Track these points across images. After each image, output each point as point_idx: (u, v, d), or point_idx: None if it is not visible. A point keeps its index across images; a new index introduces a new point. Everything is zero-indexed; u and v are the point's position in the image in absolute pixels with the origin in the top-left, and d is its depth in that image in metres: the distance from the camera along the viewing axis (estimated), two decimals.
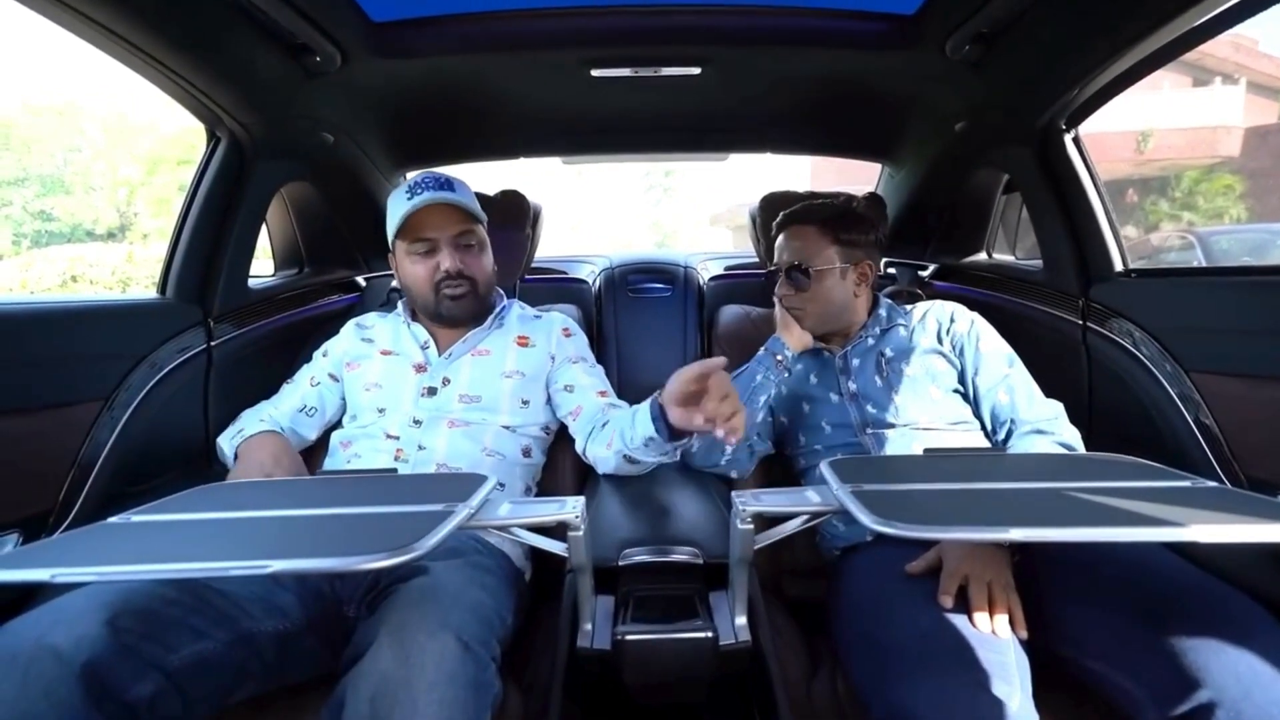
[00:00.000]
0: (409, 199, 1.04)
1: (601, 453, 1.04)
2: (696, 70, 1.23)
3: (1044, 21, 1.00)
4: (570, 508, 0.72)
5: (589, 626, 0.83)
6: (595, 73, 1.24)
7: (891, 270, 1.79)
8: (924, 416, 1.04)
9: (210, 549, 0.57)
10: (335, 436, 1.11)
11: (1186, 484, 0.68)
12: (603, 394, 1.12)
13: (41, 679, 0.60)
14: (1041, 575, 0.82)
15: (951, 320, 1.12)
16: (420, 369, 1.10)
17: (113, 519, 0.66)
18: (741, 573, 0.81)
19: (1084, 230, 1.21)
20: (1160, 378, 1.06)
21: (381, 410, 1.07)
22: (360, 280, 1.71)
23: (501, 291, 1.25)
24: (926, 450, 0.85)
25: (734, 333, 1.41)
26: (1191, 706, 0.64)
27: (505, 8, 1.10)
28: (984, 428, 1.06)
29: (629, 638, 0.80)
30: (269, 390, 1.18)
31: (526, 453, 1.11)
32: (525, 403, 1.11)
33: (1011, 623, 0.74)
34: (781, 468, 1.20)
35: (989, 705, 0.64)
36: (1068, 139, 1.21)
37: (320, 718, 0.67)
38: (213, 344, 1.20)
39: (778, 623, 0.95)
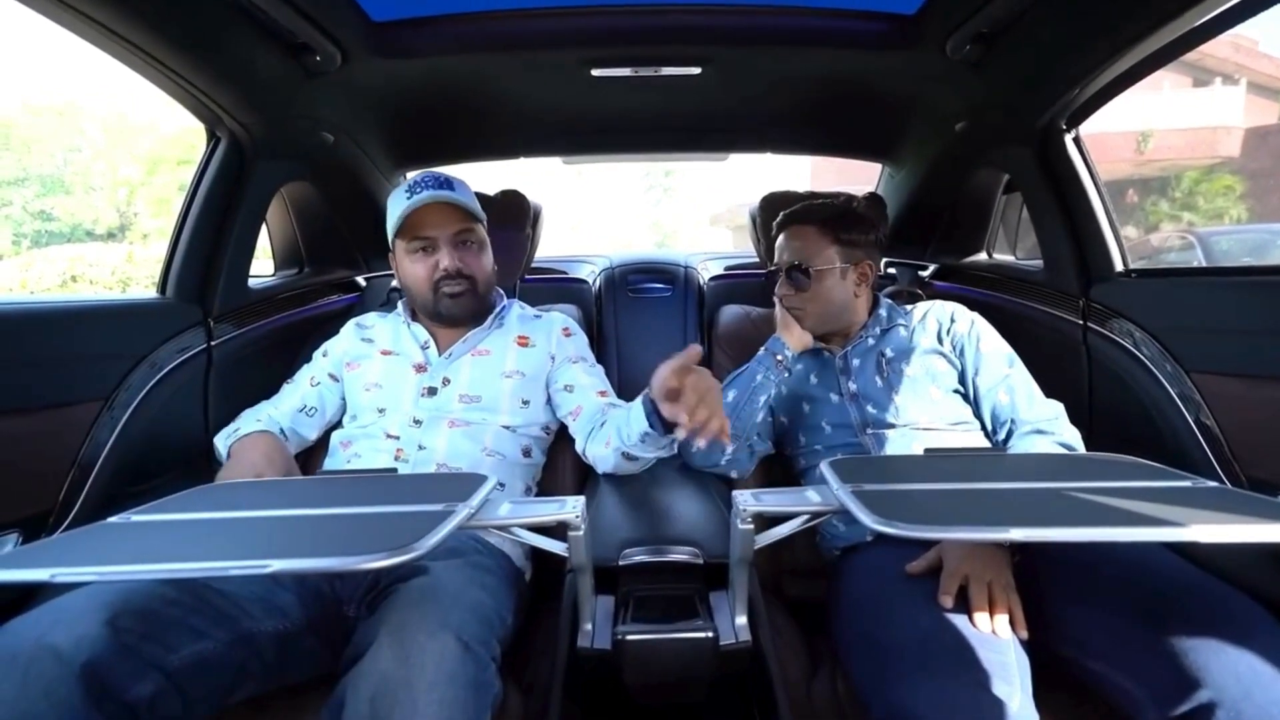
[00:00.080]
0: (408, 198, 1.04)
1: (600, 451, 1.04)
2: (697, 70, 1.23)
3: (1044, 21, 1.00)
4: (570, 508, 0.72)
5: (589, 626, 0.83)
6: (595, 72, 1.24)
7: (892, 270, 1.79)
8: (924, 417, 1.04)
9: (210, 549, 0.57)
10: (335, 436, 1.11)
11: (1187, 484, 0.68)
12: (602, 394, 1.12)
13: (41, 679, 0.60)
14: (1042, 575, 0.82)
15: (952, 320, 1.12)
16: (420, 369, 1.10)
17: (112, 519, 0.66)
18: (742, 573, 0.81)
19: (1084, 230, 1.21)
20: (1160, 378, 1.06)
21: (381, 410, 1.07)
22: (360, 280, 1.71)
23: (501, 291, 1.25)
24: (927, 450, 0.85)
25: (734, 333, 1.41)
26: (1192, 706, 0.64)
27: (505, 7, 1.10)
28: (984, 428, 1.06)
29: (629, 638, 0.80)
30: (269, 390, 1.17)
31: (526, 453, 1.11)
32: (525, 403, 1.11)
33: (1012, 623, 0.74)
34: (781, 468, 1.19)
35: (989, 705, 0.64)
36: (1068, 139, 1.21)
37: (320, 718, 0.66)
38: (213, 344, 1.20)
39: (778, 623, 0.95)
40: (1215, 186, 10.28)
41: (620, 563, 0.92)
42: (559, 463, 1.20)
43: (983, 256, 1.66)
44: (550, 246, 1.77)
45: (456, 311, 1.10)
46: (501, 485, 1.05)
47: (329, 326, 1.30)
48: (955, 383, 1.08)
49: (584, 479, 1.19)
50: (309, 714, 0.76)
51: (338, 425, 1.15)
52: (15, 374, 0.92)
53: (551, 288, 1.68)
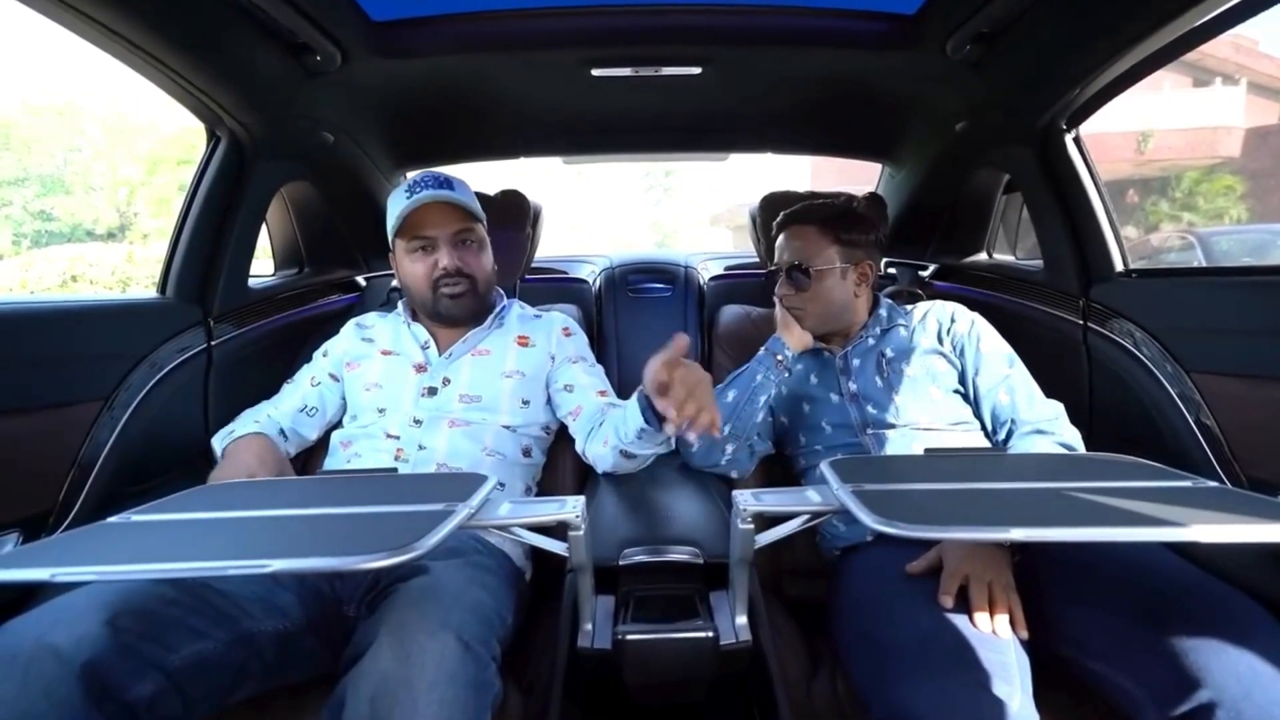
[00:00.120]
0: (408, 197, 1.04)
1: (599, 450, 1.04)
2: (697, 70, 1.23)
3: (1044, 21, 1.00)
4: (570, 507, 0.72)
5: (589, 626, 0.83)
6: (596, 72, 1.24)
7: (892, 270, 1.79)
8: (924, 417, 1.04)
9: (210, 549, 0.57)
10: (335, 436, 1.11)
11: (1187, 484, 0.68)
12: (602, 393, 1.12)
13: (41, 679, 0.60)
14: (1042, 575, 0.82)
15: (952, 320, 1.12)
16: (420, 369, 1.10)
17: (112, 519, 0.66)
18: (742, 572, 0.81)
19: (1084, 230, 1.21)
20: (1161, 378, 1.06)
21: (382, 410, 1.07)
22: (360, 280, 1.71)
23: (501, 291, 1.25)
24: (927, 450, 0.85)
25: (734, 333, 1.41)
26: (1192, 706, 0.64)
27: (505, 7, 1.10)
28: (984, 428, 1.06)
29: (629, 637, 0.80)
30: (269, 390, 1.17)
31: (527, 452, 1.11)
32: (525, 402, 1.11)
33: (1012, 623, 0.74)
34: (781, 468, 1.19)
35: (989, 705, 0.64)
36: (1068, 139, 1.21)
37: (320, 718, 0.66)
38: (213, 344, 1.20)
39: (778, 623, 0.95)
40: (1215, 187, 10.28)
41: (620, 562, 0.92)
42: (559, 463, 1.20)
43: (983, 256, 1.66)
44: (550, 246, 1.77)
45: (456, 311, 1.10)
46: (501, 485, 1.05)
47: (329, 326, 1.30)
48: (955, 383, 1.08)
49: (584, 479, 1.19)
50: (309, 714, 0.76)
51: (338, 425, 1.15)
52: (15, 374, 0.92)
53: (551, 288, 1.68)
